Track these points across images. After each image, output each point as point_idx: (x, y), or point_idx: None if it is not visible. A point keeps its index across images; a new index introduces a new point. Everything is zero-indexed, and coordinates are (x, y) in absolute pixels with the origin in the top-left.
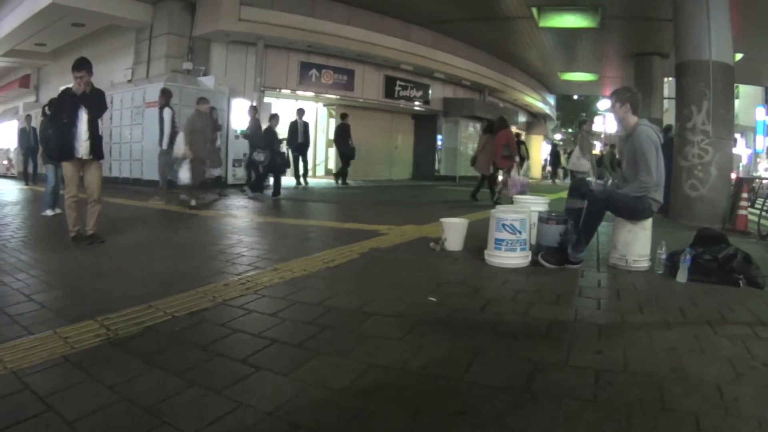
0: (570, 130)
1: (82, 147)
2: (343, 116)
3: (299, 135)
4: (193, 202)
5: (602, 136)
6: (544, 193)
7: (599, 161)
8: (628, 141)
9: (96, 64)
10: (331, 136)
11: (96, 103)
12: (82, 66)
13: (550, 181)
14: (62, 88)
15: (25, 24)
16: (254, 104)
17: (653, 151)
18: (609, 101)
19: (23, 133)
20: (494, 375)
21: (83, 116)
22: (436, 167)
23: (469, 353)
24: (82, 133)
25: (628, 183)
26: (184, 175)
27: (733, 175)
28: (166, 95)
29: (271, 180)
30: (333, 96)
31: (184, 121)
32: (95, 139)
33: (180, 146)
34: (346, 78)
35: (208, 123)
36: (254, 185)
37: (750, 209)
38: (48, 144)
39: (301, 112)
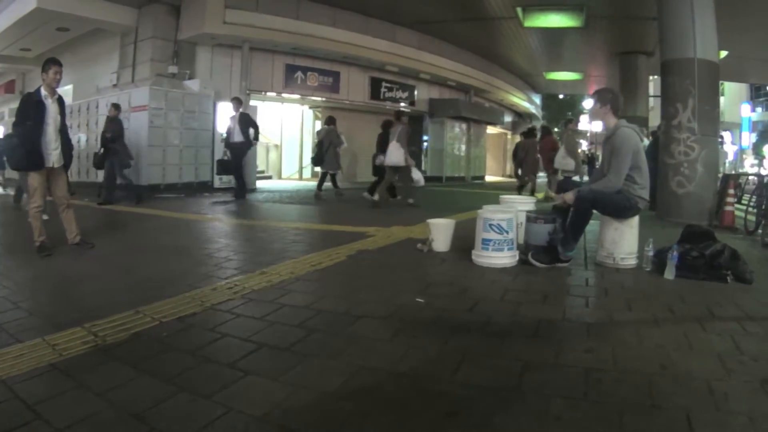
0: (556, 129)
1: (53, 155)
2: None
3: (233, 132)
4: (411, 200)
5: (588, 134)
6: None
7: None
8: (608, 141)
9: (81, 69)
10: (318, 139)
11: (64, 107)
12: (59, 61)
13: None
14: (27, 91)
15: (10, 29)
16: (116, 102)
17: (629, 154)
18: (591, 100)
19: None
20: (483, 375)
21: (52, 121)
22: (423, 168)
23: (458, 354)
24: (52, 140)
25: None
26: (417, 176)
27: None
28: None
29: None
30: (318, 98)
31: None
32: (67, 145)
33: (398, 155)
34: (331, 80)
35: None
36: (371, 189)
37: (737, 205)
38: (12, 153)
39: (237, 101)
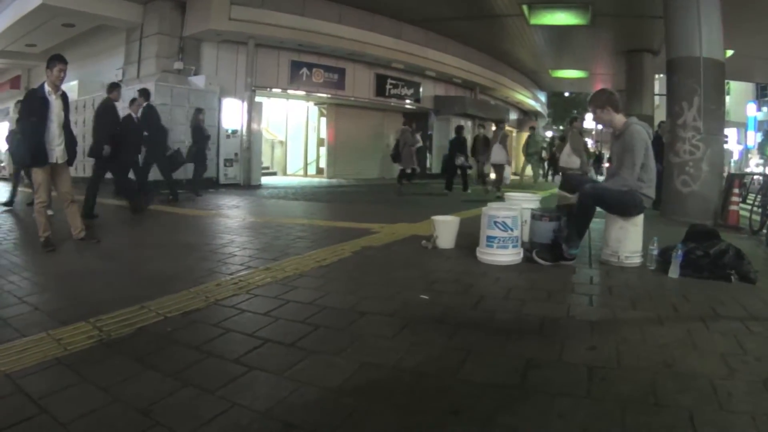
0: (561, 127)
1: (57, 151)
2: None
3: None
4: (499, 194)
5: (593, 133)
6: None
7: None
8: (618, 139)
9: (86, 65)
10: (322, 135)
11: (68, 103)
12: (64, 59)
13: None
14: (30, 88)
15: (16, 25)
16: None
17: (641, 150)
18: (590, 111)
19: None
20: (487, 372)
21: (56, 118)
22: (428, 165)
23: (462, 351)
24: (56, 136)
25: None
26: (507, 174)
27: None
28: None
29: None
30: (324, 95)
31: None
32: (71, 141)
33: (502, 155)
34: (336, 77)
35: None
36: (447, 185)
37: (741, 205)
38: (17, 149)
39: (144, 92)
